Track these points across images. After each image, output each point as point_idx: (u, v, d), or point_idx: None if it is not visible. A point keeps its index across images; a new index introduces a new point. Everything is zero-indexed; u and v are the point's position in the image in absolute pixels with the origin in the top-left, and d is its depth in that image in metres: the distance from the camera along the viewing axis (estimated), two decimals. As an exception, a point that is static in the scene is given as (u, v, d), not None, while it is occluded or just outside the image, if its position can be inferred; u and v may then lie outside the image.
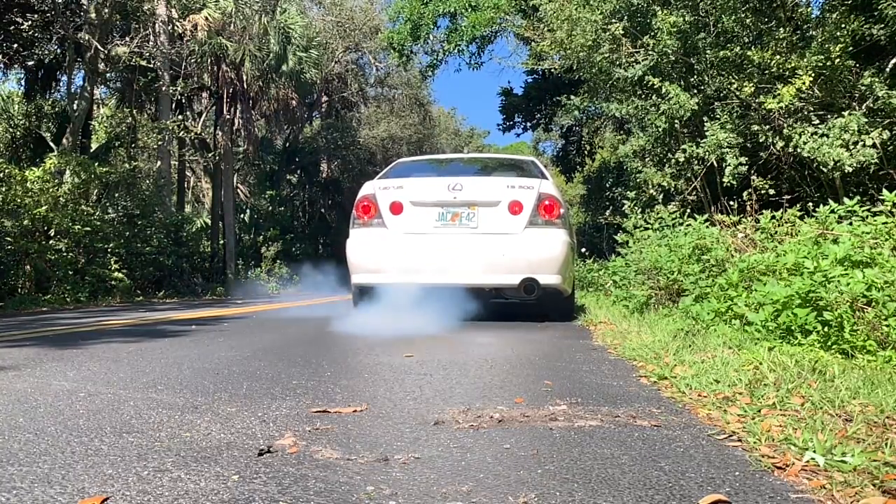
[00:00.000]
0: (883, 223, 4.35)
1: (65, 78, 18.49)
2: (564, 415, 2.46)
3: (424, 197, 5.80)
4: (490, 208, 5.72)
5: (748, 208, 6.64)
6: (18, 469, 1.76)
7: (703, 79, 8.43)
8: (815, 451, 1.86)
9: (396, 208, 5.78)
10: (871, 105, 6.79)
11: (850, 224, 4.62)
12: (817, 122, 7.07)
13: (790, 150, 7.13)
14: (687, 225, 6.60)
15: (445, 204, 5.72)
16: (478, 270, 5.61)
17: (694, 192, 8.74)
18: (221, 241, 22.75)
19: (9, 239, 12.16)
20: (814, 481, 1.70)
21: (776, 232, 5.66)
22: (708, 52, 8.17)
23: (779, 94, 6.89)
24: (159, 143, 19.03)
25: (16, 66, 18.05)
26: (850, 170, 6.53)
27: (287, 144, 27.97)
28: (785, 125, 7.17)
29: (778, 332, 3.84)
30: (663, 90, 7.96)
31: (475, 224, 5.70)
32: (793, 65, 7.08)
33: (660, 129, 8.55)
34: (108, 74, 18.87)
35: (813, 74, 6.85)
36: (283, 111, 23.12)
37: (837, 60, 6.75)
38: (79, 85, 17.90)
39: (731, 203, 7.32)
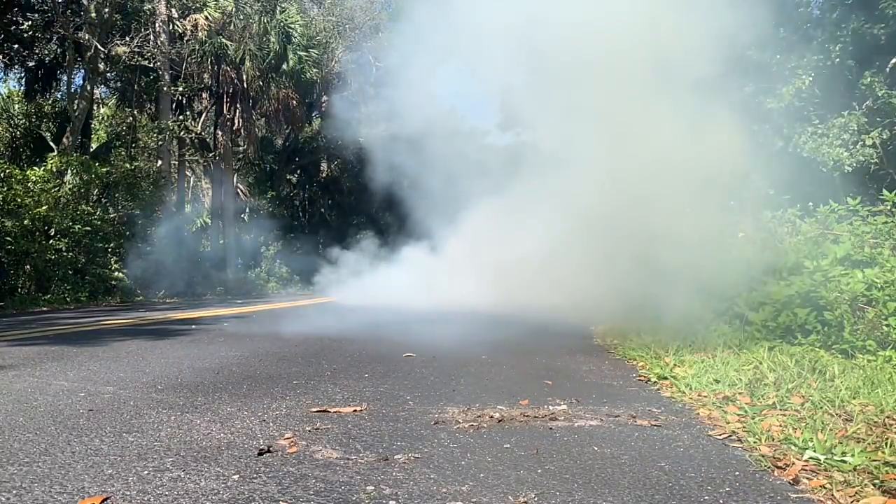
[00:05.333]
0: (883, 223, 4.35)
1: (65, 78, 18.47)
2: (564, 414, 2.47)
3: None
4: None
5: (748, 208, 6.62)
6: (18, 469, 1.76)
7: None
8: (815, 451, 1.87)
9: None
10: (871, 105, 6.79)
11: (851, 224, 4.62)
12: (817, 122, 7.07)
13: (790, 150, 7.13)
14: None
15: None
16: None
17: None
18: (221, 241, 22.75)
19: (9, 239, 12.14)
20: (814, 481, 1.70)
21: (776, 232, 5.66)
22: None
23: (779, 94, 6.90)
24: (159, 142, 19.01)
25: (16, 65, 18.05)
26: (850, 170, 6.54)
27: (287, 144, 27.92)
28: (785, 125, 7.17)
29: (778, 332, 3.84)
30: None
31: None
32: (793, 65, 7.09)
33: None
34: (108, 74, 18.84)
35: (813, 74, 6.85)
36: (283, 111, 23.04)
37: (837, 60, 6.76)
38: (79, 85, 17.87)
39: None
